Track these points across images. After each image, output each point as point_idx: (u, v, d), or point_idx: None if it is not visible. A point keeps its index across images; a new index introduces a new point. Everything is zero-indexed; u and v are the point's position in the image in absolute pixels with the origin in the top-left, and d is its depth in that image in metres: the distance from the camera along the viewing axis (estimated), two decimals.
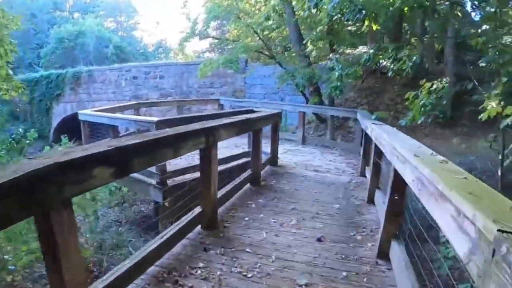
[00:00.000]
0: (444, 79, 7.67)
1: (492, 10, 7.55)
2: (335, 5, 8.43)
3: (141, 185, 6.84)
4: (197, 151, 4.03)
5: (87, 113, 8.26)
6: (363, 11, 8.24)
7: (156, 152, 2.95)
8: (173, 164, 6.60)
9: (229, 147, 8.75)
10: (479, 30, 6.97)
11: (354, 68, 10.08)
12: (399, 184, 3.28)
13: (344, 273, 3.44)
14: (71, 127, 13.88)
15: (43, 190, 1.87)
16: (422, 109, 7.24)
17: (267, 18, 12.90)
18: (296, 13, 12.41)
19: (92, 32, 36.94)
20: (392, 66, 8.56)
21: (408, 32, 15.13)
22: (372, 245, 4.09)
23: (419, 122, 7.70)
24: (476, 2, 8.34)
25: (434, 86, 7.24)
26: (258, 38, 14.44)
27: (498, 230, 1.14)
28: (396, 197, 3.41)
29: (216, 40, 19.20)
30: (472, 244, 1.37)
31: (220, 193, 4.84)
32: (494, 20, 7.20)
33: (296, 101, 14.07)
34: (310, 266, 3.58)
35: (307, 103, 12.91)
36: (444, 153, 2.98)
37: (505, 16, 7.35)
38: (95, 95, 20.62)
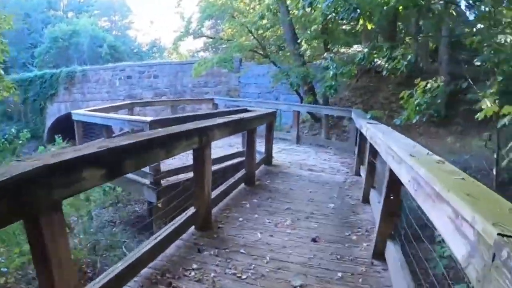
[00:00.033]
0: (439, 78, 7.65)
1: (487, 9, 7.55)
2: (329, 4, 8.41)
3: (135, 185, 6.79)
4: (191, 151, 3.98)
5: (80, 113, 8.20)
6: (358, 10, 8.24)
7: (149, 153, 2.90)
8: (167, 164, 6.56)
9: (224, 147, 8.72)
10: (474, 29, 6.95)
11: (349, 67, 10.05)
12: (394, 184, 3.25)
13: (340, 274, 3.41)
14: (65, 127, 13.82)
15: (32, 193, 1.81)
16: (417, 108, 7.23)
17: (262, 17, 12.85)
18: (290, 12, 12.39)
19: (86, 31, 36.67)
20: (386, 65, 8.55)
21: (403, 31, 15.14)
22: (367, 245, 4.07)
23: (414, 121, 7.70)
24: (470, 1, 8.34)
25: (429, 85, 7.23)
26: (252, 37, 14.41)
27: (499, 234, 1.11)
28: (391, 197, 3.38)
29: (211, 40, 19.14)
30: (471, 247, 1.34)
31: (214, 193, 4.81)
32: (488, 19, 7.21)
33: (290, 100, 14.06)
34: (305, 267, 3.54)
35: (301, 102, 12.92)
36: (438, 152, 2.95)
37: (499, 15, 7.34)
38: (89, 94, 20.50)
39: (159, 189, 6.31)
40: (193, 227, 4.24)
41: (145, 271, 3.27)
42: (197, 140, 3.73)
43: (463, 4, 9.16)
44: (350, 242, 4.18)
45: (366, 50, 9.31)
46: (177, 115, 8.55)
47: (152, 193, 6.38)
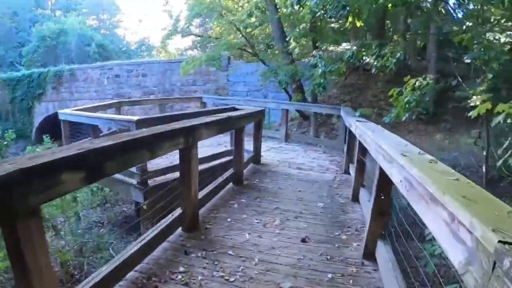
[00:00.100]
0: (428, 76, 7.64)
1: (475, 7, 7.56)
2: (318, 2, 8.38)
3: (122, 185, 6.69)
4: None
5: (67, 113, 8.09)
6: (347, 8, 8.19)
7: (132, 154, 2.80)
8: (154, 164, 6.45)
9: (212, 145, 8.64)
10: (464, 27, 6.95)
11: (337, 65, 10.04)
12: (385, 183, 3.20)
13: (330, 275, 3.35)
14: (53, 127, 13.68)
15: (6, 199, 1.72)
16: (407, 105, 7.21)
17: (250, 15, 12.79)
18: (279, 10, 12.37)
19: (74, 30, 36.45)
20: (375, 63, 8.55)
21: (391, 29, 15.17)
22: (357, 245, 4.02)
23: (403, 119, 7.68)
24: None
25: (418, 83, 7.21)
26: (241, 35, 14.40)
27: (500, 242, 1.04)
28: (382, 197, 3.33)
29: (199, 38, 19.01)
30: (468, 254, 1.27)
31: (201, 194, 4.74)
32: (477, 17, 7.21)
33: (279, 98, 14.09)
34: (295, 268, 3.48)
35: (290, 100, 12.90)
36: (427, 149, 2.91)
37: (487, 13, 7.35)
38: (77, 93, 20.37)
39: (146, 189, 6.21)
40: (180, 228, 4.15)
41: (130, 274, 3.18)
42: (183, 140, 3.63)
43: (451, 2, 9.18)
44: (340, 242, 4.13)
45: (355, 48, 9.29)
46: (164, 114, 8.46)
47: (139, 194, 6.28)
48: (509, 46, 5.96)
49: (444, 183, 1.68)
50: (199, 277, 3.23)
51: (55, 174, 1.98)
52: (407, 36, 12.57)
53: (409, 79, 7.34)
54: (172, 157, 6.48)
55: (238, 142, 6.22)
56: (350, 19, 8.89)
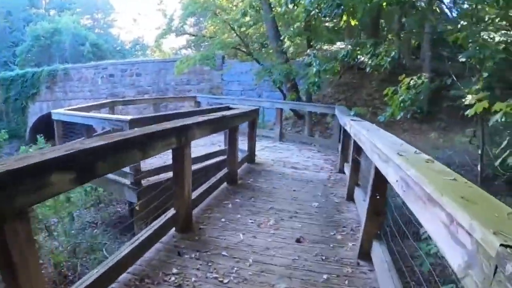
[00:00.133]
0: (423, 75, 7.63)
1: (470, 6, 7.56)
2: (312, 0, 8.34)
3: (115, 185, 6.64)
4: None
5: (60, 112, 8.04)
6: (341, 6, 8.17)
7: (123, 154, 2.74)
8: (148, 164, 6.41)
9: (206, 145, 8.60)
10: (459, 26, 6.94)
11: (332, 63, 10.03)
12: (380, 182, 3.17)
13: (325, 276, 3.32)
14: (47, 127, 13.56)
15: None
16: (402, 104, 7.20)
17: (244, 14, 12.79)
18: (273, 9, 12.35)
19: (68, 29, 36.32)
20: (370, 62, 8.52)
21: (385, 28, 15.18)
22: (353, 244, 3.99)
23: (398, 117, 7.66)
24: None
25: (413, 82, 7.20)
26: (235, 34, 14.40)
27: (501, 245, 1.00)
28: (377, 196, 3.30)
29: (193, 37, 18.96)
30: (468, 257, 1.23)
31: (195, 194, 4.70)
32: (471, 17, 7.20)
33: (273, 98, 14.06)
34: (289, 269, 3.44)
35: (284, 99, 12.89)
36: (422, 148, 2.88)
37: (482, 13, 7.35)
38: (71, 93, 20.30)
39: (140, 189, 6.17)
40: (173, 229, 4.10)
41: (123, 276, 3.12)
42: (175, 140, 3.58)
43: (446, 1, 9.18)
44: (335, 242, 4.10)
45: (349, 46, 9.27)
46: (158, 114, 8.43)
47: (133, 194, 6.23)
48: (504, 45, 5.95)
49: (441, 183, 1.65)
50: (193, 279, 3.18)
51: (43, 175, 1.93)
52: (402, 35, 12.58)
53: (404, 77, 7.32)
54: (166, 157, 6.41)
55: (232, 142, 6.18)
56: (344, 17, 8.89)
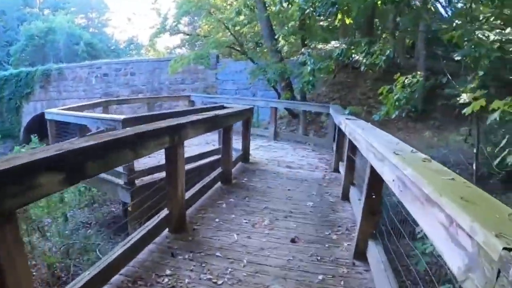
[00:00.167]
0: (418, 74, 7.62)
1: (464, 5, 7.56)
2: None
3: (109, 185, 6.59)
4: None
5: (53, 112, 8.00)
6: (336, 5, 8.14)
7: (115, 154, 2.68)
8: (141, 163, 6.36)
9: (200, 144, 8.56)
10: (454, 24, 6.93)
11: (327, 62, 10.00)
12: (376, 182, 3.14)
13: (320, 277, 3.28)
14: (41, 126, 13.52)
15: None
16: (396, 103, 7.18)
17: (239, 13, 12.79)
18: (267, 8, 12.33)
19: (63, 29, 36.30)
20: (364, 61, 8.50)
21: (380, 27, 15.19)
22: (348, 244, 3.96)
23: (393, 116, 7.65)
24: None
25: (407, 81, 7.18)
26: (229, 33, 14.39)
27: (505, 249, 0.96)
28: (373, 196, 3.26)
29: (188, 36, 18.93)
30: (469, 260, 1.19)
31: (188, 194, 4.66)
32: (465, 16, 7.19)
33: (268, 97, 14.05)
34: (284, 270, 3.40)
35: (279, 98, 12.89)
36: (416, 146, 2.85)
37: (476, 12, 7.35)
38: (66, 93, 20.27)
39: (133, 189, 6.11)
40: (166, 229, 4.05)
41: (116, 278, 3.08)
42: (168, 139, 3.53)
43: (440, 0, 9.19)
44: (330, 242, 4.06)
45: (344, 45, 9.24)
46: (152, 113, 8.36)
47: (126, 194, 6.17)
48: (498, 44, 5.94)
49: (440, 184, 1.61)
50: (186, 280, 3.13)
51: (31, 176, 1.87)
52: (396, 34, 12.58)
53: (399, 76, 7.31)
54: (160, 157, 6.33)
55: (226, 141, 6.14)
56: (339, 16, 8.88)
